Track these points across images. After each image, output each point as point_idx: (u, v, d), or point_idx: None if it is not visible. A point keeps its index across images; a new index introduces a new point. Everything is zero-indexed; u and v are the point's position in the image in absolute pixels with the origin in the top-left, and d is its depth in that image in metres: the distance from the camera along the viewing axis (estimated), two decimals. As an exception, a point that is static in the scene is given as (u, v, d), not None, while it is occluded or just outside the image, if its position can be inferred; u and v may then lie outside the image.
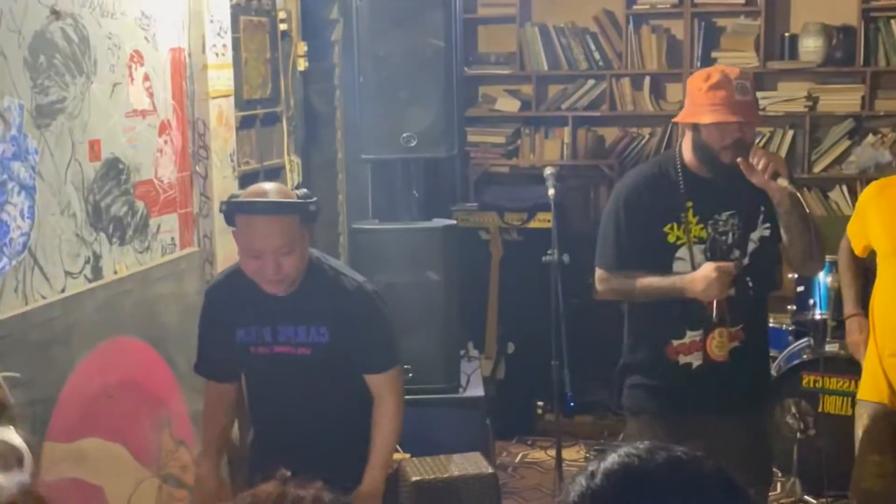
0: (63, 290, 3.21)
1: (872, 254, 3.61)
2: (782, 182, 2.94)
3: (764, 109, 5.94)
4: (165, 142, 3.76)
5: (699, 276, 3.03)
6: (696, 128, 3.09)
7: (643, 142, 6.14)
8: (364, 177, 5.13)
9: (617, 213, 3.17)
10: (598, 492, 1.14)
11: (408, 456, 4.10)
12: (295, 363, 2.86)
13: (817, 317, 4.91)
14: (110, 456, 3.35)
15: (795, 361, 4.84)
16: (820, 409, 4.73)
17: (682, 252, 3.11)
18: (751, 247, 3.13)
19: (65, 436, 3.20)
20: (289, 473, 1.22)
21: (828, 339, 4.82)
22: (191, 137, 3.92)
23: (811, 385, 4.77)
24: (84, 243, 3.32)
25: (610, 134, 6.24)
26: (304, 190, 2.93)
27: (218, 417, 3.08)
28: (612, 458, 1.16)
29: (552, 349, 3.99)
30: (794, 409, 4.78)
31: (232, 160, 4.15)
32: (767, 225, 3.14)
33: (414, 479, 3.89)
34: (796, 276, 5.08)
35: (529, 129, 6.26)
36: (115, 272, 3.44)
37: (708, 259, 3.09)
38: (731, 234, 3.11)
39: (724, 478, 1.15)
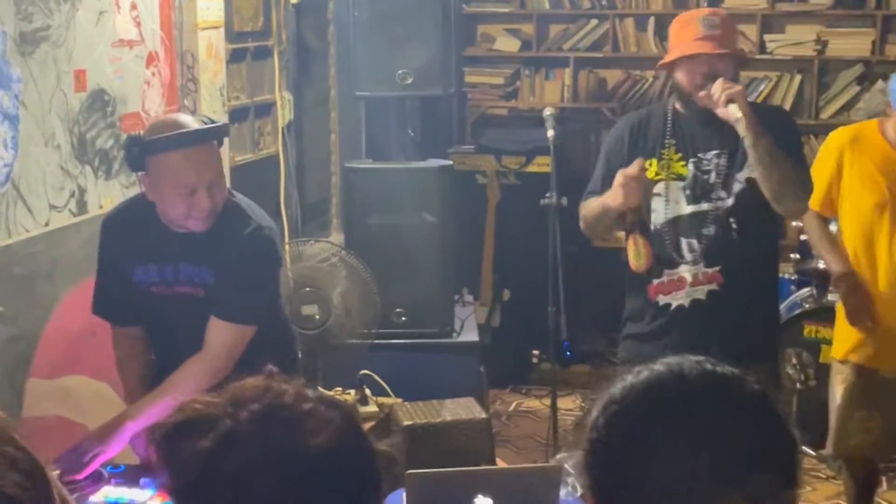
0: (47, 224, 3.20)
1: None
2: (732, 108, 2.95)
3: (771, 53, 5.91)
4: (153, 73, 3.73)
5: (614, 185, 3.05)
6: (671, 72, 3.15)
7: (646, 85, 6.11)
8: (357, 115, 5.10)
9: (603, 148, 3.31)
10: (631, 404, 1.14)
11: (399, 401, 4.11)
12: (195, 304, 2.71)
13: (820, 266, 4.90)
14: (94, 394, 3.37)
15: (797, 311, 4.85)
16: (821, 360, 4.74)
17: (660, 188, 3.14)
18: (736, 187, 3.11)
19: (48, 372, 3.20)
20: (275, 369, 1.24)
21: (830, 289, 4.82)
22: (179, 70, 3.89)
23: (813, 335, 4.78)
24: (69, 176, 3.30)
25: (612, 76, 6.20)
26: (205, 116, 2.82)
27: (131, 365, 2.86)
28: (647, 372, 1.15)
29: (549, 297, 3.99)
30: (794, 360, 4.78)
31: (222, 94, 4.12)
32: None
33: (405, 423, 3.89)
34: (800, 223, 5.09)
35: (529, 71, 6.21)
36: (101, 206, 3.42)
37: (688, 197, 3.10)
38: (714, 174, 3.11)
39: (762, 397, 1.14)
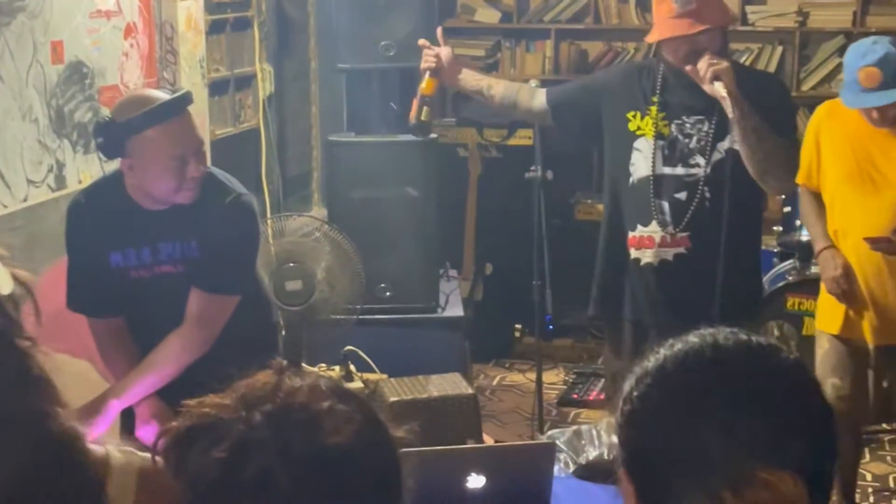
0: (25, 200, 3.15)
1: None
2: (718, 86, 2.92)
3: (753, 25, 5.87)
4: (131, 45, 3.67)
5: None
6: (657, 46, 3.18)
7: (627, 57, 6.05)
8: (339, 87, 5.03)
9: (598, 73, 3.51)
10: (667, 375, 1.09)
11: (385, 376, 4.07)
12: (176, 282, 2.65)
13: (803, 238, 4.89)
14: (76, 373, 3.30)
15: (780, 283, 4.83)
16: (804, 332, 4.74)
17: (641, 143, 3.15)
18: (715, 156, 3.11)
19: (29, 351, 3.13)
20: (284, 362, 1.17)
21: (814, 261, 4.81)
22: (158, 41, 3.84)
23: (795, 307, 4.77)
24: (47, 150, 3.25)
25: (594, 48, 6.14)
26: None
27: (116, 355, 2.76)
28: (680, 344, 1.11)
29: (533, 270, 3.95)
30: (776, 332, 4.79)
31: (201, 66, 4.08)
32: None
33: (392, 399, 3.85)
34: (783, 196, 5.08)
35: (510, 42, 6.15)
36: (80, 181, 3.37)
37: (665, 157, 3.11)
38: (695, 139, 3.10)
39: (798, 367, 1.11)
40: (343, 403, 1.12)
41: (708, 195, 3.09)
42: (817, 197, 3.62)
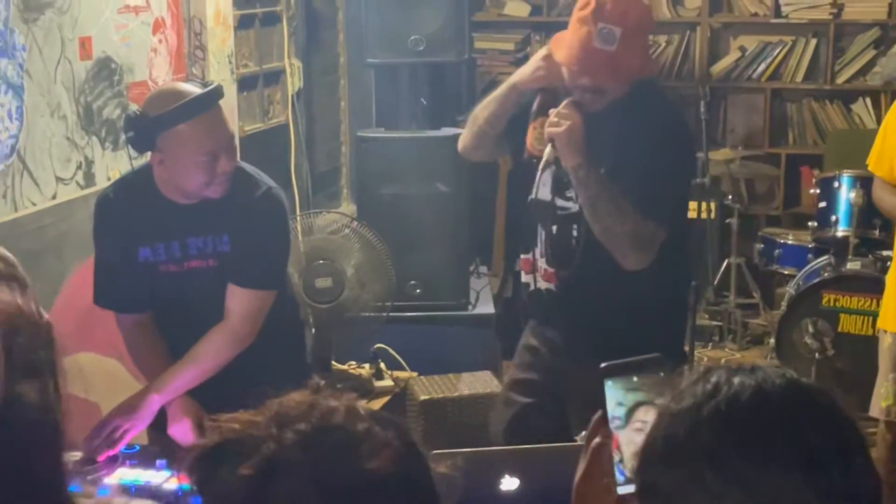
0: (54, 197, 3.13)
1: None
2: (547, 153, 2.56)
3: (787, 17, 5.79)
4: (160, 41, 3.66)
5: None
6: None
7: (658, 50, 5.98)
8: (368, 82, 5.00)
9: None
10: (700, 420, 1.05)
11: (415, 375, 4.04)
12: (207, 278, 2.61)
13: (839, 234, 4.82)
14: (105, 371, 3.30)
15: (815, 280, 4.75)
16: (839, 329, 4.67)
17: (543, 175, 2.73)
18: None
19: (59, 350, 3.12)
20: (322, 382, 1.11)
21: (849, 257, 4.73)
22: (186, 37, 3.81)
23: (831, 304, 4.69)
24: (76, 147, 3.23)
25: (624, 41, 6.06)
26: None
27: (146, 352, 2.70)
28: (718, 380, 1.07)
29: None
30: (811, 329, 4.71)
31: (230, 62, 4.05)
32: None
33: (423, 398, 3.84)
34: (818, 190, 5.00)
35: (540, 36, 6.08)
36: (109, 178, 3.34)
37: (551, 190, 2.69)
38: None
39: (836, 409, 1.08)
40: (381, 427, 1.06)
41: (575, 234, 2.69)
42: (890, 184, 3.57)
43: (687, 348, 4.75)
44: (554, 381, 2.85)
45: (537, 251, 2.78)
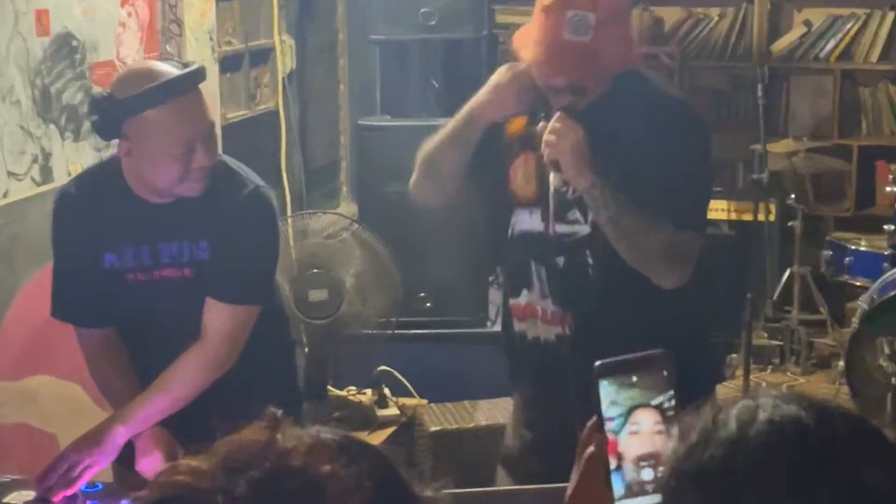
0: (5, 195, 3.17)
1: None
2: (554, 179, 2.56)
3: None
4: (129, 14, 3.69)
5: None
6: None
7: (710, 25, 6.02)
8: (371, 62, 5.04)
9: None
10: (738, 451, 1.09)
11: (425, 402, 4.06)
12: (181, 289, 2.61)
13: (921, 239, 4.82)
14: (64, 397, 3.32)
15: (892, 292, 4.75)
16: (921, 350, 4.66)
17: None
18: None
19: (9, 372, 3.17)
20: (279, 413, 1.08)
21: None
22: (160, 9, 3.85)
23: (911, 321, 4.68)
24: (31, 138, 3.26)
25: (670, 15, 6.09)
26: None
27: (109, 373, 2.69)
28: (767, 407, 1.11)
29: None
30: (887, 350, 4.70)
31: (211, 39, 4.09)
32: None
33: (433, 429, 3.86)
34: (894, 188, 5.00)
35: (571, 9, 6.10)
36: (69, 173, 3.36)
37: (543, 217, 2.68)
38: (572, 189, 2.63)
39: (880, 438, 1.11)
40: (352, 464, 1.03)
41: (591, 261, 2.65)
42: None
43: (742, 372, 4.73)
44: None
45: (535, 292, 2.72)
